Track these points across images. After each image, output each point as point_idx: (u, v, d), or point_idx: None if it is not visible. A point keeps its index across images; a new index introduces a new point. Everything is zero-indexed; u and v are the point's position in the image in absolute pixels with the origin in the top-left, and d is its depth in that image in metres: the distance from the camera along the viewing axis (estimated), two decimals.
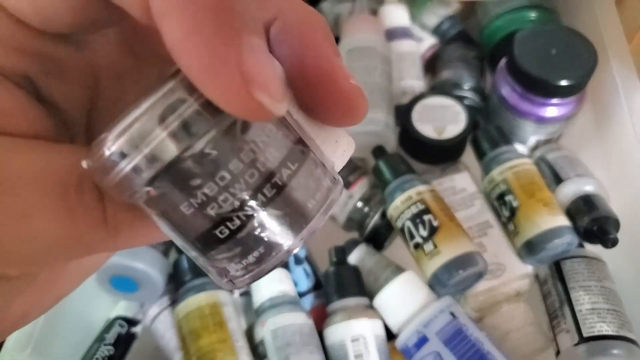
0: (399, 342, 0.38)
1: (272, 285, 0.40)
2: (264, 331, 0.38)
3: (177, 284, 0.40)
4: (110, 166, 0.12)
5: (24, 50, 0.15)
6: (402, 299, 0.39)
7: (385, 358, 0.38)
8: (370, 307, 0.40)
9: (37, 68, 0.15)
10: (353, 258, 0.44)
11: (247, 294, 0.43)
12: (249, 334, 0.40)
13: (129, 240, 0.13)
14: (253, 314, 0.41)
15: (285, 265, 0.43)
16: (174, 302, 0.41)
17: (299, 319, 0.38)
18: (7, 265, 0.13)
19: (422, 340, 0.37)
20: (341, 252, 0.42)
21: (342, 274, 0.41)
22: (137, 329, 0.42)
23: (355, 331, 0.38)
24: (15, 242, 0.12)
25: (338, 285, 0.41)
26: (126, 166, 0.11)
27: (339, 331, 0.38)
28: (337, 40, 0.50)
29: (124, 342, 0.41)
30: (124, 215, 0.13)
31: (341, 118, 0.14)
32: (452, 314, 0.38)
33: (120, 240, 0.13)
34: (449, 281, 0.38)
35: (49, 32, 0.14)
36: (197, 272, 0.40)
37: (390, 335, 0.40)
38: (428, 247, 0.39)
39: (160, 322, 0.41)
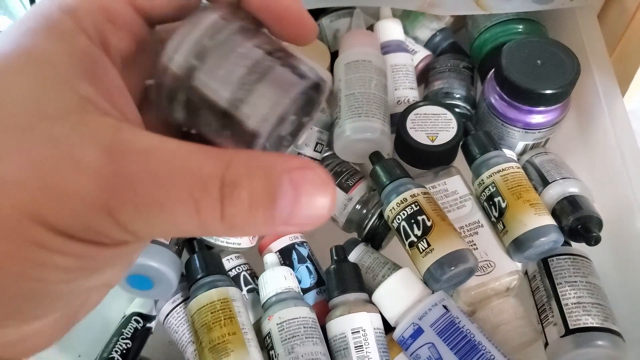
0: (396, 334, 0.41)
1: (278, 282, 0.43)
2: (271, 324, 0.40)
3: (189, 281, 0.43)
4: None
5: (132, 33, 0.17)
6: (399, 293, 0.41)
7: (383, 348, 0.40)
8: (369, 301, 0.43)
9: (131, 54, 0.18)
10: (353, 256, 0.47)
11: (254, 291, 0.46)
12: (257, 328, 0.42)
13: (238, 232, 0.16)
14: (260, 309, 0.44)
15: (289, 264, 0.46)
16: (186, 299, 0.43)
17: (303, 313, 0.41)
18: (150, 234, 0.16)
19: (418, 332, 0.40)
20: (341, 251, 0.45)
21: (343, 270, 0.43)
22: (152, 324, 0.45)
23: (356, 324, 0.40)
24: (150, 221, 0.15)
25: (339, 281, 0.43)
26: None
27: (340, 324, 0.41)
28: (336, 54, 0.53)
29: (140, 336, 0.43)
30: (236, 214, 0.15)
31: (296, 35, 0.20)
32: (445, 307, 0.40)
33: (233, 232, 0.16)
34: (441, 277, 0.41)
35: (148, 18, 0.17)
36: (209, 270, 0.43)
37: (388, 328, 0.42)
38: (422, 245, 0.42)
39: (173, 317, 0.43)
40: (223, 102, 0.16)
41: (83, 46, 0.16)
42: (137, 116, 0.18)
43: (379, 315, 0.42)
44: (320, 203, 0.16)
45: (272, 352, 0.40)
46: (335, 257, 0.45)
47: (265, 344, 0.41)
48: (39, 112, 0.14)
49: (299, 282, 0.45)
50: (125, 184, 0.14)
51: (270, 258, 0.45)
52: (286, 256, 0.47)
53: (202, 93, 0.16)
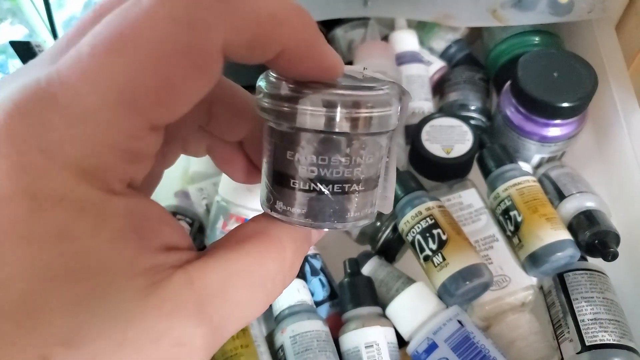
0: (410, 349, 0.41)
1: (291, 294, 0.42)
2: (284, 337, 0.40)
3: None
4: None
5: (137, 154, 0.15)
6: (413, 307, 0.41)
7: None
8: (383, 315, 0.43)
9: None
10: (366, 270, 0.47)
11: None
12: (269, 340, 0.42)
13: None
14: (272, 321, 0.43)
15: (302, 276, 0.46)
16: None
17: (316, 326, 0.40)
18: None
19: (432, 347, 0.40)
20: (355, 264, 0.45)
21: (356, 284, 0.43)
22: None
23: (369, 338, 0.40)
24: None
25: (352, 294, 0.43)
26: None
27: (354, 338, 0.41)
28: (350, 64, 0.53)
29: None
30: None
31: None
32: (460, 322, 0.40)
33: None
34: (456, 291, 0.40)
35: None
36: None
37: (402, 342, 0.42)
38: (437, 259, 0.41)
39: None
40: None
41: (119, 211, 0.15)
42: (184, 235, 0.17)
43: (393, 330, 0.42)
44: None
45: None
46: (348, 270, 0.44)
47: (278, 356, 0.41)
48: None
49: (312, 294, 0.45)
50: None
51: None
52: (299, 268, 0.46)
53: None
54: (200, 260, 0.16)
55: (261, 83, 0.17)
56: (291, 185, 0.17)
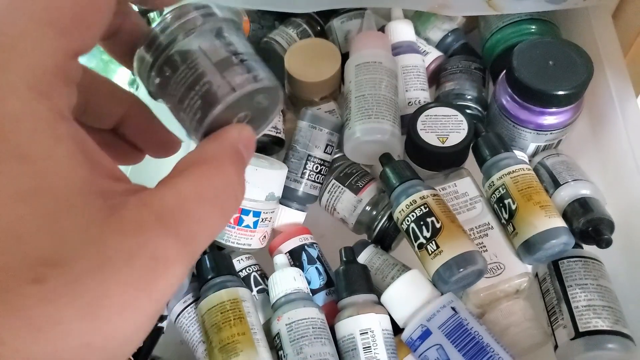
0: (405, 335, 0.41)
1: (287, 283, 0.43)
2: (280, 325, 0.41)
3: (199, 282, 0.44)
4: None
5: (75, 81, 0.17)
6: (408, 295, 0.42)
7: (391, 350, 0.41)
8: (378, 303, 0.43)
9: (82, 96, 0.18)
10: (362, 258, 0.47)
11: (264, 291, 0.46)
12: (267, 328, 0.43)
13: None
14: (270, 309, 0.44)
15: (299, 265, 0.47)
16: (197, 299, 0.44)
17: (312, 314, 0.41)
18: None
19: (426, 334, 0.40)
20: (350, 252, 0.45)
21: (352, 272, 0.44)
22: (163, 324, 0.46)
23: (364, 325, 0.41)
24: None
25: (348, 282, 0.43)
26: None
27: (349, 325, 0.41)
28: (346, 55, 0.54)
29: (152, 335, 0.44)
30: None
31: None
32: (454, 309, 0.41)
33: None
34: (450, 278, 0.41)
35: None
36: (219, 271, 0.43)
37: (397, 330, 0.42)
38: (431, 247, 0.42)
39: (184, 317, 0.44)
40: (203, 68, 0.19)
41: (72, 133, 0.16)
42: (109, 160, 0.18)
43: (388, 317, 0.42)
44: None
45: (281, 353, 0.40)
46: (344, 259, 0.45)
47: (274, 344, 0.41)
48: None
49: (309, 283, 0.45)
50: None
51: (280, 259, 0.46)
52: (296, 257, 0.47)
53: (186, 55, 0.19)
54: (150, 189, 0.17)
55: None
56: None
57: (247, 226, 0.46)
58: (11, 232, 0.14)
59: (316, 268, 0.47)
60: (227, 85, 0.19)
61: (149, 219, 0.16)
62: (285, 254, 0.47)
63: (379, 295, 0.43)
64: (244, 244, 0.46)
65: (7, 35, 0.15)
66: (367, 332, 0.40)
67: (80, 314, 0.14)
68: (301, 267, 0.46)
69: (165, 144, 0.23)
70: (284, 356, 0.40)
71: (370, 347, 0.40)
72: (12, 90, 0.14)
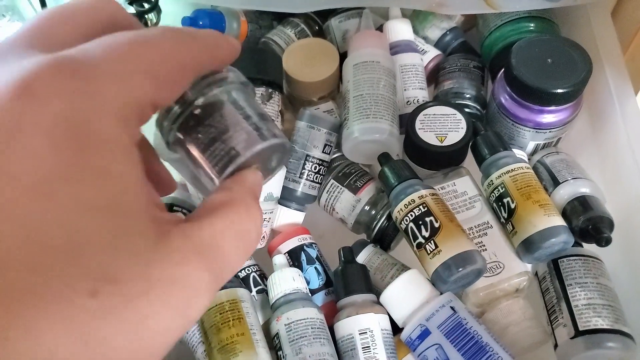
0: (403, 335, 0.41)
1: (286, 283, 0.43)
2: (279, 325, 0.41)
3: None
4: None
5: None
6: (407, 294, 0.42)
7: (391, 349, 0.41)
8: (377, 302, 0.43)
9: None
10: (361, 258, 0.47)
11: (264, 292, 0.46)
12: (266, 328, 0.43)
13: None
14: (269, 309, 0.44)
15: (298, 265, 0.47)
16: None
17: (311, 314, 0.41)
18: None
19: (425, 333, 0.40)
20: (349, 252, 0.45)
21: (350, 272, 0.44)
22: None
23: (363, 325, 0.41)
24: None
25: (346, 282, 0.43)
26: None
27: (348, 325, 0.41)
28: (345, 55, 0.54)
29: None
30: None
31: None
32: (453, 309, 0.40)
33: None
34: (449, 278, 0.41)
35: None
36: None
37: (396, 330, 0.42)
38: (430, 246, 0.42)
39: None
40: (232, 119, 0.22)
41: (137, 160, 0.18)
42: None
43: (387, 316, 0.42)
44: None
45: (280, 353, 0.40)
46: (343, 259, 0.45)
47: (273, 344, 0.41)
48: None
49: (308, 283, 0.45)
50: None
51: (279, 259, 0.46)
52: (295, 257, 0.47)
53: (215, 107, 0.22)
54: (187, 222, 0.18)
55: None
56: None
57: None
58: (77, 242, 0.15)
59: (315, 268, 0.47)
60: (254, 136, 0.22)
61: (191, 251, 0.17)
62: (284, 254, 0.47)
63: (377, 295, 0.43)
64: None
65: (111, 69, 0.17)
66: (366, 332, 0.40)
67: (126, 333, 0.15)
68: (300, 267, 0.46)
69: (164, 184, 0.25)
70: (283, 356, 0.40)
71: (369, 346, 0.40)
72: (104, 114, 0.16)
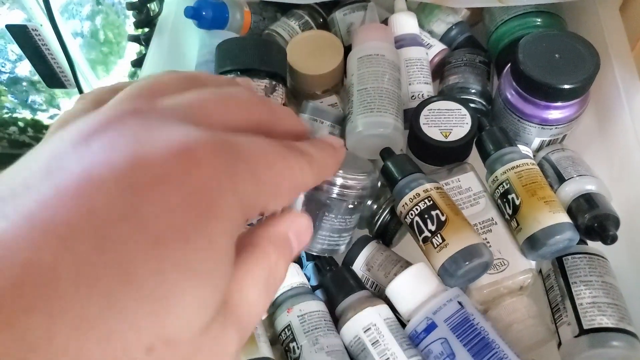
0: (409, 328, 0.40)
1: (292, 276, 0.43)
2: (290, 317, 0.40)
3: None
4: None
5: None
6: (413, 287, 0.41)
7: (400, 335, 0.40)
8: (372, 296, 0.42)
9: None
10: (364, 254, 0.47)
11: None
12: (266, 324, 0.42)
13: None
14: (271, 304, 0.44)
15: (298, 261, 0.46)
16: None
17: (321, 307, 0.41)
18: None
19: (431, 327, 0.39)
20: (325, 262, 0.46)
21: (334, 279, 0.44)
22: None
23: (364, 321, 0.40)
24: None
25: (336, 288, 0.43)
26: None
27: (351, 327, 0.40)
28: (349, 48, 0.53)
29: None
30: None
31: None
32: (460, 304, 0.40)
33: None
34: (457, 272, 0.40)
35: None
36: None
37: (401, 324, 0.42)
38: (436, 240, 0.41)
39: None
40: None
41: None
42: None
43: (386, 306, 0.41)
44: None
45: (293, 345, 0.40)
46: (322, 270, 0.45)
47: (283, 337, 0.41)
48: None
49: (308, 279, 0.45)
50: None
51: None
52: None
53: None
54: None
55: None
56: None
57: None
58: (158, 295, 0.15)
59: (315, 264, 0.46)
60: None
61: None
62: None
63: (380, 292, 0.43)
64: None
65: (218, 204, 0.16)
66: (370, 328, 0.40)
67: None
68: (300, 263, 0.46)
69: None
70: (298, 347, 0.39)
71: (378, 340, 0.39)
72: (228, 219, 0.16)
